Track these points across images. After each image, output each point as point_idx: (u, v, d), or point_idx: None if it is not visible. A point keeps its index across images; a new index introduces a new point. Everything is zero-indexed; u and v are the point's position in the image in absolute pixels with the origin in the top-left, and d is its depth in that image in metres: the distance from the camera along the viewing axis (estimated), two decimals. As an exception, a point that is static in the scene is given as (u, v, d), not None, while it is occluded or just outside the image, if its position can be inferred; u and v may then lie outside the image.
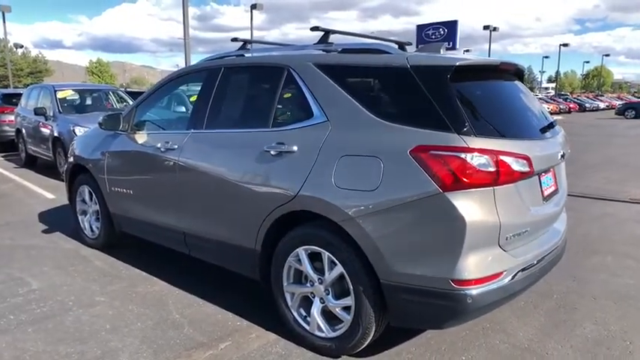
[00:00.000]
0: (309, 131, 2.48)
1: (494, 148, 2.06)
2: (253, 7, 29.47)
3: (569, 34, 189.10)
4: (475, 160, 2.01)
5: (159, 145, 3.31)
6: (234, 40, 3.23)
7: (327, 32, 2.80)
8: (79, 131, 7.26)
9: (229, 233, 2.87)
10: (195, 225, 3.11)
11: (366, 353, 2.46)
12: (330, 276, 2.40)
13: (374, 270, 2.20)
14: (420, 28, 33.18)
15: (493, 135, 2.16)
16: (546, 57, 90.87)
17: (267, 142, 2.62)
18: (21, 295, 3.28)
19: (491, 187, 2.05)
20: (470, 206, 2.01)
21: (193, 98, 3.75)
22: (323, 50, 2.74)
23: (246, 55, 3.15)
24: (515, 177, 2.13)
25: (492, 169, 2.03)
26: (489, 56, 22.96)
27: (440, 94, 2.14)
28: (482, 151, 2.02)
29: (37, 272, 3.69)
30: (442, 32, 32.34)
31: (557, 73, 63.07)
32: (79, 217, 4.41)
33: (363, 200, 2.18)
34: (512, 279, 2.17)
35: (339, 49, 2.66)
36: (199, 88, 3.28)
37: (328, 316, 2.48)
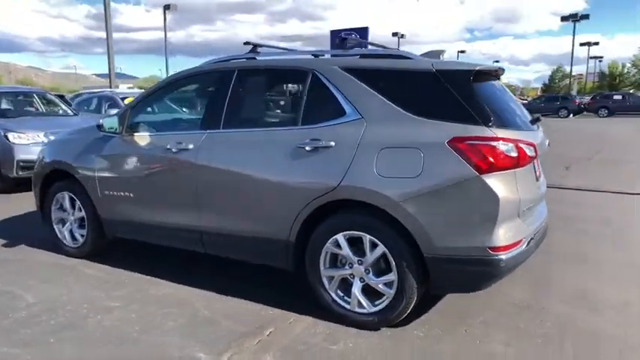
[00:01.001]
0: (344, 127, 2.73)
1: (514, 137, 2.50)
2: (167, 7, 28.46)
3: (462, 41, 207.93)
4: (503, 147, 2.42)
5: (168, 146, 3.32)
6: (247, 43, 3.36)
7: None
8: (14, 138, 6.71)
9: (260, 227, 3.01)
10: (217, 223, 3.18)
11: (397, 324, 2.77)
12: (371, 256, 2.67)
13: (418, 246, 2.51)
14: (334, 33, 34.39)
15: (509, 126, 2.59)
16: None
17: (300, 139, 2.82)
18: (23, 310, 3.09)
19: (514, 170, 2.48)
20: (500, 185, 2.41)
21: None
22: (343, 56, 3.01)
23: (259, 58, 3.31)
24: (527, 160, 2.58)
25: (514, 154, 2.46)
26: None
27: (466, 93, 2.53)
28: (506, 139, 2.44)
29: (24, 286, 3.46)
30: (354, 38, 34.02)
31: None
32: (56, 227, 4.16)
33: (407, 186, 2.49)
34: (527, 245, 2.62)
35: (359, 55, 2.95)
36: (203, 90, 3.35)
37: (368, 293, 2.75)
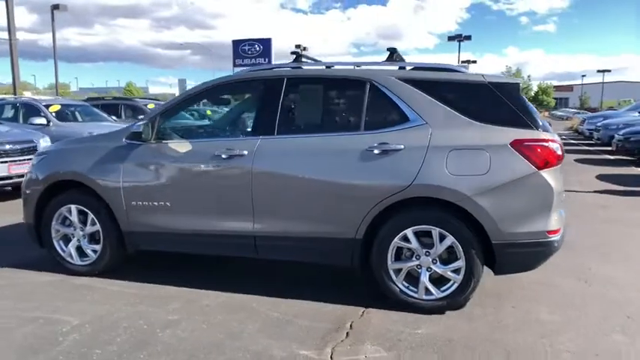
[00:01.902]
0: (411, 132, 3.02)
1: (555, 138, 3.01)
2: (55, 7, 25.84)
3: (349, 55, 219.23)
4: (552, 146, 2.92)
5: (217, 153, 3.30)
6: (294, 53, 3.48)
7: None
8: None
9: (325, 228, 3.15)
10: (275, 227, 3.24)
11: (456, 307, 3.12)
12: (440, 247, 2.98)
13: (487, 234, 2.89)
14: (236, 43, 34.37)
15: (547, 129, 3.11)
16: None
17: (366, 144, 3.05)
18: (74, 332, 2.85)
19: (558, 165, 2.99)
20: (552, 179, 2.91)
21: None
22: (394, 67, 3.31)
23: (305, 67, 3.45)
24: (562, 157, 3.11)
25: (559, 152, 2.97)
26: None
27: (516, 102, 2.99)
28: (554, 141, 2.95)
29: (52, 309, 3.16)
30: (258, 48, 34.19)
31: None
32: (57, 244, 3.81)
33: (477, 182, 2.87)
34: (563, 231, 3.14)
35: (412, 67, 3.28)
36: (248, 97, 3.40)
37: (435, 281, 3.06)
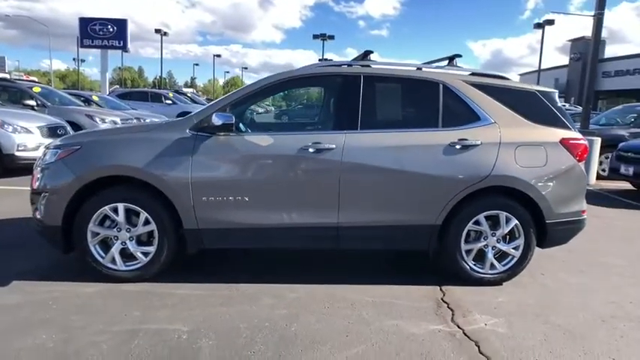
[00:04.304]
0: (484, 130, 3.49)
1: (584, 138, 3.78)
2: None
3: (195, 44, 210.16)
4: (585, 143, 3.67)
5: (302, 146, 3.31)
6: (367, 52, 3.62)
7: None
8: None
9: (409, 217, 3.42)
10: (359, 217, 3.39)
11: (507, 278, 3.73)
12: (506, 228, 3.52)
13: (543, 215, 3.52)
14: (84, 21, 30.70)
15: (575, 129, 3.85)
16: (196, 64, 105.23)
17: (449, 139, 3.42)
18: (200, 339, 2.66)
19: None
20: (584, 169, 3.67)
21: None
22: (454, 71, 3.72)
23: (374, 66, 3.63)
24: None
25: (587, 148, 3.75)
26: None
27: (558, 107, 3.68)
28: (584, 139, 3.71)
29: (141, 319, 2.85)
30: (111, 30, 31.12)
31: (213, 79, 74.48)
32: (93, 248, 3.34)
33: (538, 173, 3.47)
34: None
35: (470, 72, 3.73)
36: (326, 92, 3.46)
37: (496, 257, 3.59)
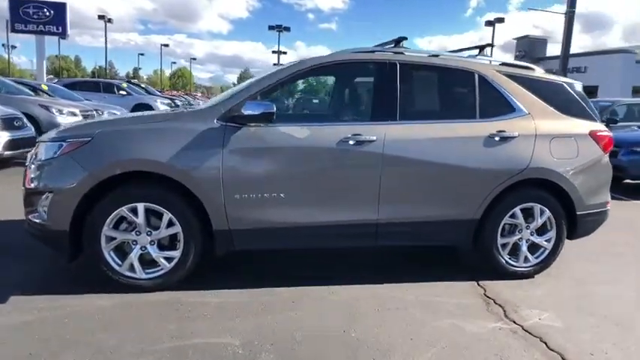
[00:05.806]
0: (520, 121, 3.42)
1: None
2: None
3: (135, 32, 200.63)
4: (610, 135, 3.71)
5: (342, 138, 3.08)
6: (400, 39, 3.41)
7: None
8: None
9: (449, 211, 3.30)
10: (399, 213, 3.22)
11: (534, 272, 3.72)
12: (540, 221, 3.49)
13: (574, 206, 3.52)
14: (15, 2, 28.22)
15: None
16: (142, 54, 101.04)
17: (487, 131, 3.33)
18: (258, 352, 2.38)
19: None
20: (609, 160, 3.72)
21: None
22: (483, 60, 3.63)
23: (408, 54, 3.45)
24: None
25: (611, 139, 3.79)
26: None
27: (584, 99, 3.69)
28: (609, 131, 3.75)
29: (179, 334, 2.52)
30: (47, 14, 28.80)
31: (158, 70, 71.25)
32: (107, 254, 2.94)
33: (570, 164, 3.46)
34: None
35: (499, 63, 3.65)
36: (359, 81, 3.25)
37: (530, 250, 3.56)
